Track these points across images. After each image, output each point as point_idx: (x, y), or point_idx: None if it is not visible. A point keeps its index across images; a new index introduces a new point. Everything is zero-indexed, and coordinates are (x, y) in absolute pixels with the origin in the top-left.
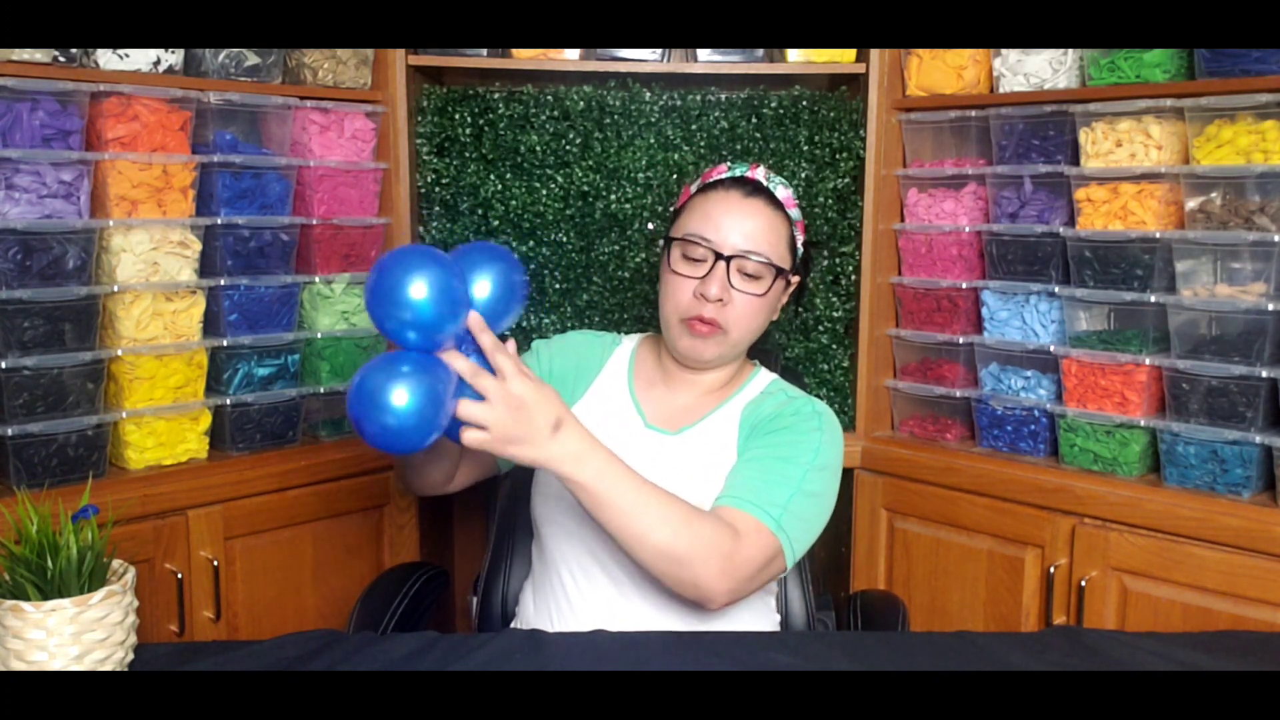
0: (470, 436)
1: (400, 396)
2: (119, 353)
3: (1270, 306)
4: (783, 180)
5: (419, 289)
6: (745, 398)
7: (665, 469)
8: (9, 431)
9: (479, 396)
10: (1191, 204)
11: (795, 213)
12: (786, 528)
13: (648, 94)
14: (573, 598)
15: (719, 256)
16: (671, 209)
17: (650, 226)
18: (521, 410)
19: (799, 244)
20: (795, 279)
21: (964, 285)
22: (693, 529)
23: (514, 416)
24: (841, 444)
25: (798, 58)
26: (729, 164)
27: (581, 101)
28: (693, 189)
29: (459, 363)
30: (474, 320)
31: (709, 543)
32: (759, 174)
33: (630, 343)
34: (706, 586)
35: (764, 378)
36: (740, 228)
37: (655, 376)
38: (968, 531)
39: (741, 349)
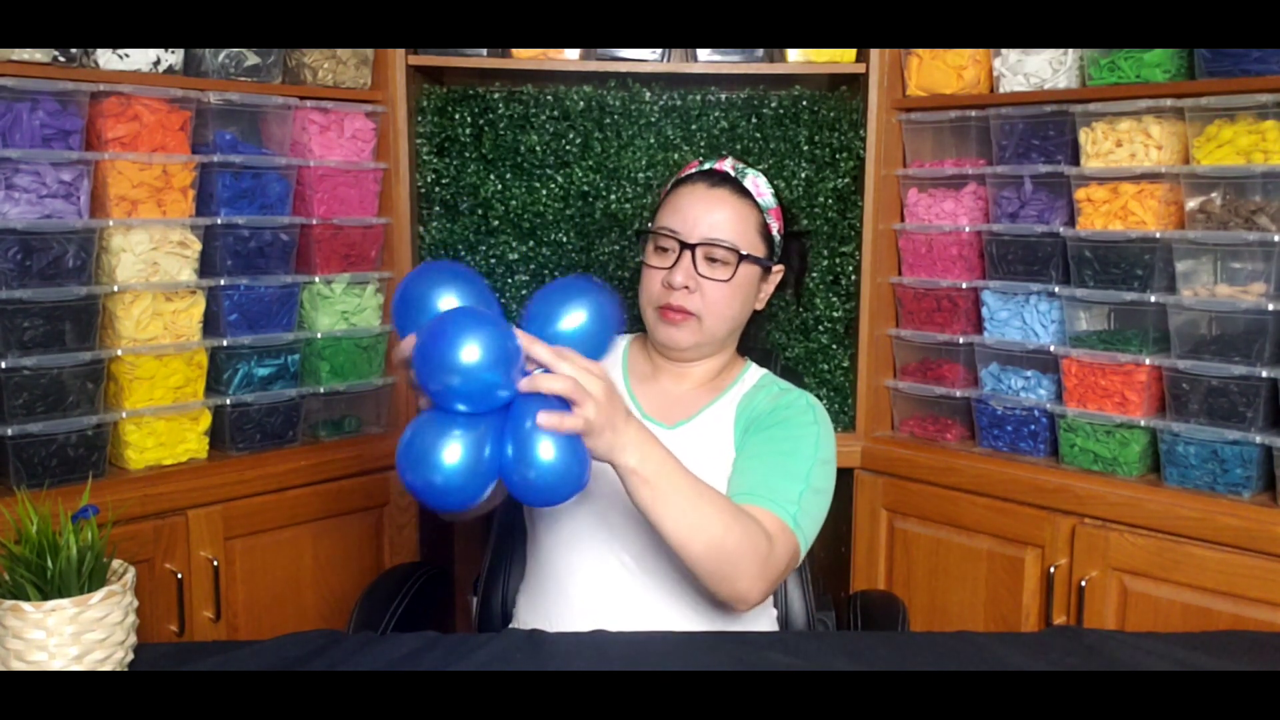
0: (570, 423)
1: (452, 453)
2: (119, 353)
3: (1270, 306)
4: (755, 171)
5: (471, 352)
6: (739, 391)
7: None
8: (9, 431)
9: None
10: (1192, 204)
11: (767, 201)
12: (802, 525)
13: (648, 94)
14: (572, 599)
15: (684, 245)
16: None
17: (650, 226)
18: (612, 396)
19: (774, 232)
20: (778, 268)
21: (964, 285)
22: (741, 527)
23: (611, 402)
24: (834, 438)
25: (798, 58)
26: (700, 160)
27: (581, 101)
28: (668, 187)
29: (539, 350)
30: (524, 338)
31: (752, 543)
32: (726, 165)
33: (623, 341)
34: (745, 588)
35: (755, 373)
36: (706, 217)
37: (648, 371)
38: (968, 531)
39: (720, 336)
